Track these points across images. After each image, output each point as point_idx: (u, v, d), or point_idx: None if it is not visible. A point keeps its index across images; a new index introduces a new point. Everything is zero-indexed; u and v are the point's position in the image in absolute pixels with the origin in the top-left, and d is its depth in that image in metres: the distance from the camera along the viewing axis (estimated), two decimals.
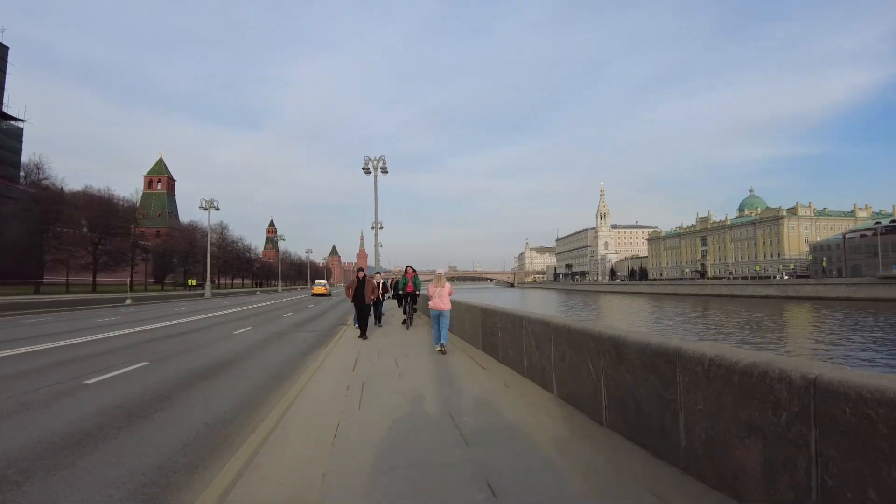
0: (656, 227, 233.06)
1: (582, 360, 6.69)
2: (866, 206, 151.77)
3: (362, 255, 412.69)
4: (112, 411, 8.07)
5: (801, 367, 3.51)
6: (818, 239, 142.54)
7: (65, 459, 6.01)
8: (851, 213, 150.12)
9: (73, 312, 33.92)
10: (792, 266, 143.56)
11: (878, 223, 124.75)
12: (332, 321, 27.59)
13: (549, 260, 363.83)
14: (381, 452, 5.55)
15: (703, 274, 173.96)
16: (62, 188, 73.74)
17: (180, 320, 27.06)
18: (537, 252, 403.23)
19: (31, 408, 8.22)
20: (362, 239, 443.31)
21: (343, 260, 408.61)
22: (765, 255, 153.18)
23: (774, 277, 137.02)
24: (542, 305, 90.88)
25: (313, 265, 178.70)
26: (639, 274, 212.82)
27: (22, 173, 78.13)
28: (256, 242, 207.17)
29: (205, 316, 30.76)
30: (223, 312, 34.25)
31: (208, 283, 75.11)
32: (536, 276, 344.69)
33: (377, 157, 39.40)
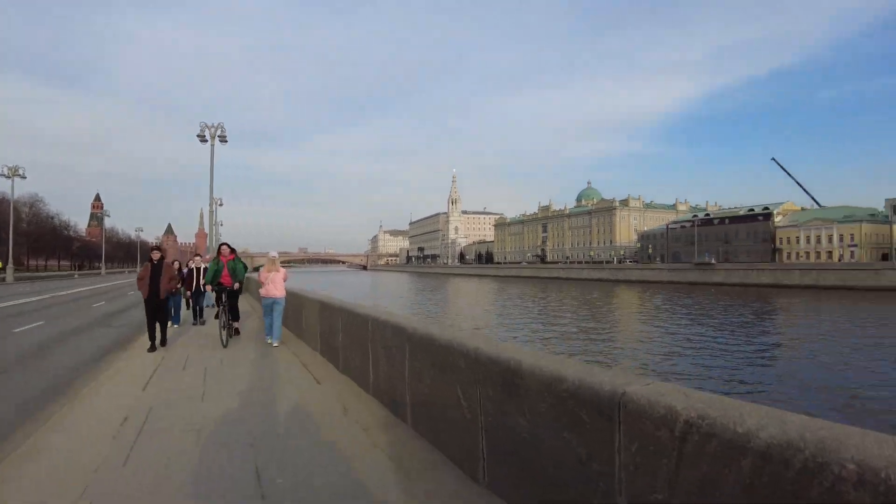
0: (502, 214, 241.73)
1: (449, 385, 4.76)
2: (686, 200, 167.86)
3: (201, 234, 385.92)
4: None
5: None
6: (645, 228, 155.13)
7: None
8: (673, 207, 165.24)
9: None
10: (622, 252, 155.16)
11: (695, 216, 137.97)
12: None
13: (403, 243, 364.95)
14: None
15: (542, 258, 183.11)
16: None
17: None
18: (391, 235, 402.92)
19: None
20: (202, 217, 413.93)
21: (181, 240, 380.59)
22: (599, 242, 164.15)
23: (607, 263, 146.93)
24: (394, 289, 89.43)
25: (144, 245, 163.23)
26: (485, 257, 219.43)
27: None
28: (80, 219, 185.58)
29: None
30: (18, 302, 28.63)
31: (10, 265, 64.77)
32: (389, 258, 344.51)
33: (215, 125, 35.29)
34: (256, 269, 71.04)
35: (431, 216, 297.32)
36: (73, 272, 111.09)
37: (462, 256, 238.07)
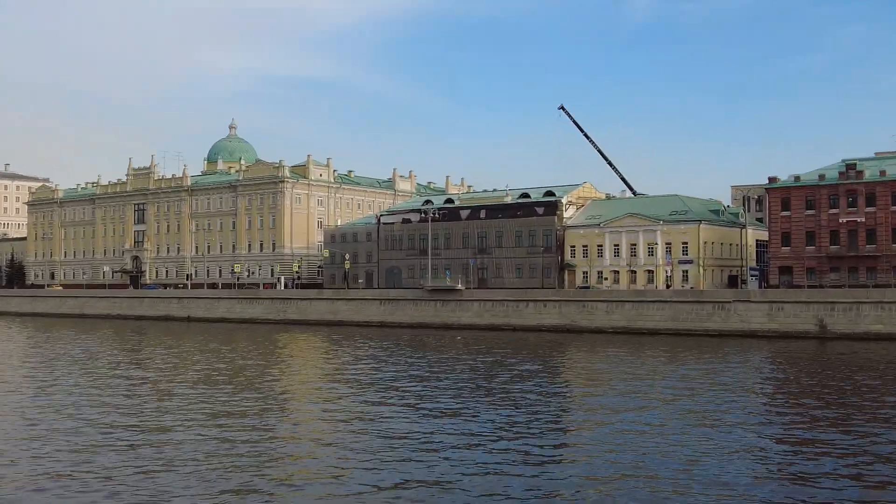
0: (47, 181, 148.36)
1: None
2: (412, 173, 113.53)
3: None
4: None
5: None
6: (339, 222, 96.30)
7: None
8: (390, 184, 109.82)
9: None
10: (298, 266, 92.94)
11: (427, 202, 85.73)
12: None
13: None
14: None
15: (134, 274, 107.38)
16: None
17: None
18: None
19: None
20: None
21: None
22: (255, 244, 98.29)
23: (266, 287, 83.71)
24: None
25: None
26: (10, 273, 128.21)
27: None
28: None
29: None
30: None
31: None
32: None
33: None
34: None
35: None
36: None
37: None
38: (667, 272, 69.42)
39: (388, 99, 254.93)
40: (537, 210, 76.71)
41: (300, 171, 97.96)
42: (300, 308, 74.46)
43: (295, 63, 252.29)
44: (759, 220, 75.09)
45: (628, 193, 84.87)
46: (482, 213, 79.63)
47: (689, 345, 47.52)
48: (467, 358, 41.46)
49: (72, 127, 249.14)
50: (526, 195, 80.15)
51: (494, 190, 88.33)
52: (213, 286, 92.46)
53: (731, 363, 38.38)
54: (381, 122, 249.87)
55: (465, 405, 24.92)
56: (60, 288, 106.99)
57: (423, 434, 19.66)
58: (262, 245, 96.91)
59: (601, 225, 73.28)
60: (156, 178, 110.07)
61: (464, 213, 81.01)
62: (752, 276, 67.18)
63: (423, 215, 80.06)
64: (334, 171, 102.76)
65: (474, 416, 22.68)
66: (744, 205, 74.65)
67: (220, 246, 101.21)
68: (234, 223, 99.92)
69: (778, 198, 66.39)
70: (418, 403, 25.26)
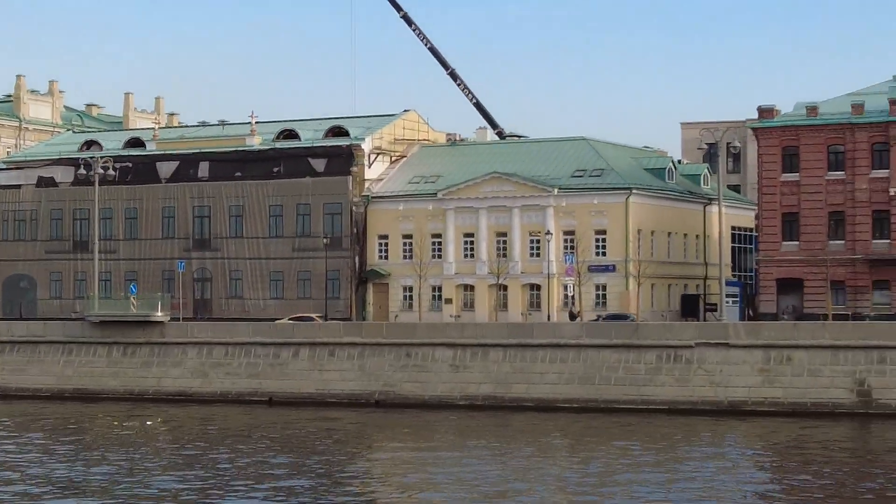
0: None
1: None
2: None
3: None
4: None
5: None
6: None
7: None
8: None
9: None
10: None
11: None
12: None
13: None
14: None
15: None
16: None
17: None
18: None
19: None
20: None
21: None
22: None
23: None
24: None
25: None
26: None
27: None
28: None
29: None
30: None
31: None
32: None
33: None
34: None
35: None
36: None
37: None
38: (567, 288, 35.46)
39: None
40: (314, 164, 39.69)
41: None
42: None
43: None
44: (736, 188, 43.20)
45: (492, 136, 47.74)
46: (203, 170, 40.15)
47: (612, 432, 26.20)
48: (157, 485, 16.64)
49: None
50: (291, 134, 41.55)
51: (226, 123, 47.70)
52: None
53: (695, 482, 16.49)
54: None
55: None
56: None
57: None
58: None
59: (439, 194, 37.14)
60: None
61: (165, 170, 40.65)
62: (728, 295, 35.18)
63: (81, 172, 38.26)
64: None
65: None
66: (708, 160, 41.67)
67: None
68: None
69: (776, 146, 34.64)
70: None
